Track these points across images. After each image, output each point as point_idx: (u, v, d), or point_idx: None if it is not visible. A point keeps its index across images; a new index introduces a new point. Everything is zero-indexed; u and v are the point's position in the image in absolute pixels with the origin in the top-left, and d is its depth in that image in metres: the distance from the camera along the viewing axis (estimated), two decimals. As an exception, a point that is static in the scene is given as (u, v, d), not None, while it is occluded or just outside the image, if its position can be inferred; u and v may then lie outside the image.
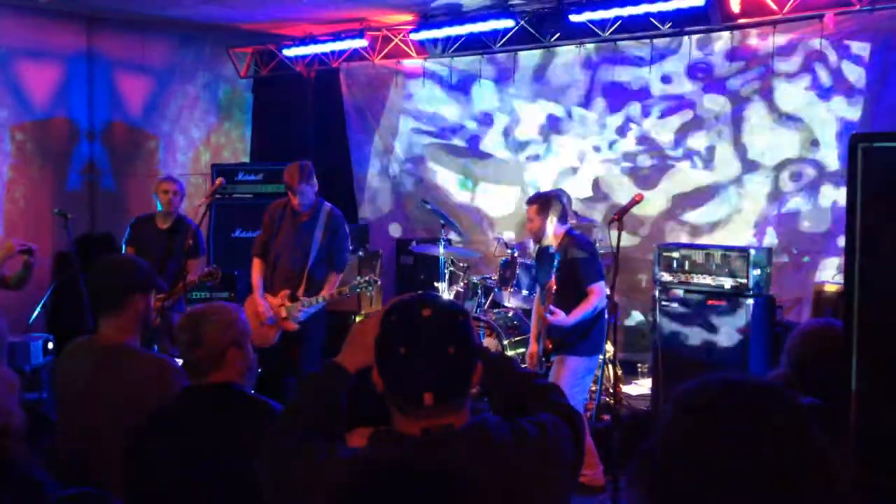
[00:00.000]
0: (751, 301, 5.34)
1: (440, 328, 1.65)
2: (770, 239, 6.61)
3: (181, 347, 2.55)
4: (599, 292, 4.80)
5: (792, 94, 6.52)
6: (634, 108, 7.36)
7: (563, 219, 4.95)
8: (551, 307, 4.66)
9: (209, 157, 9.29)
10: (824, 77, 6.35)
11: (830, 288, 5.53)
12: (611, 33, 7.04)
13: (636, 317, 6.98)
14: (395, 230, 8.92)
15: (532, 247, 5.63)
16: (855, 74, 6.21)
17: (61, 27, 7.98)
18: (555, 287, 4.65)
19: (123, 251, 5.90)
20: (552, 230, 4.90)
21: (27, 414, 2.90)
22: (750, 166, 6.78)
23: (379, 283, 5.34)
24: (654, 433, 1.23)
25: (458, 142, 8.54)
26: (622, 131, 7.47)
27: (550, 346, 4.82)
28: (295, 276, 5.32)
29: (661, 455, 1.19)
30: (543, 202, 4.92)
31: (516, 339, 6.20)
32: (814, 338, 2.54)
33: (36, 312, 6.69)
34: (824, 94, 6.37)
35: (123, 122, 8.61)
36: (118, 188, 8.57)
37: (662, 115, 7.22)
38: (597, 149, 7.63)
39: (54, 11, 7.80)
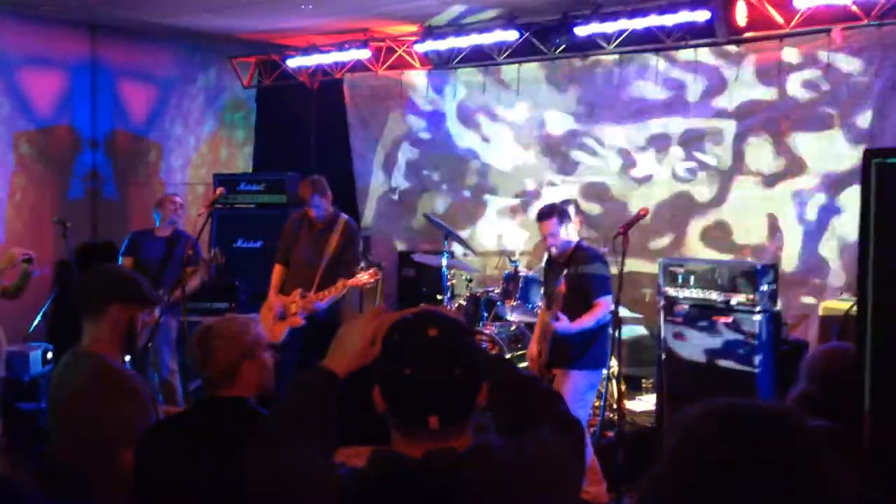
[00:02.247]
0: (758, 317, 5.28)
1: (447, 348, 1.61)
2: (777, 252, 6.54)
3: (194, 364, 2.53)
4: (605, 306, 4.77)
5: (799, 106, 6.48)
6: (643, 122, 7.31)
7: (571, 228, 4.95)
8: (557, 313, 4.62)
9: (211, 166, 9.27)
10: (832, 91, 6.31)
11: (837, 305, 5.47)
12: (616, 46, 7.01)
13: (640, 331, 6.92)
14: (397, 242, 8.88)
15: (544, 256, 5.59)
16: (862, 89, 6.17)
17: (65, 36, 7.97)
18: (563, 290, 4.61)
19: (120, 263, 5.92)
20: (568, 239, 4.88)
21: (26, 424, 2.87)
22: (756, 180, 6.73)
23: (379, 276, 5.62)
24: (658, 460, 1.20)
25: (460, 152, 8.50)
26: (629, 144, 7.42)
27: (553, 359, 4.78)
28: (307, 278, 5.65)
29: (664, 485, 1.16)
30: (561, 212, 4.89)
31: (519, 352, 6.16)
32: (839, 354, 2.52)
33: (36, 321, 6.66)
34: (832, 108, 6.32)
35: (126, 130, 8.59)
36: (120, 197, 8.55)
37: (665, 128, 7.17)
38: (603, 161, 7.59)
39: (57, 20, 7.80)
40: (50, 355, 6.28)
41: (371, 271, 5.57)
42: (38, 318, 6.67)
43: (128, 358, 3.15)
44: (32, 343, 6.46)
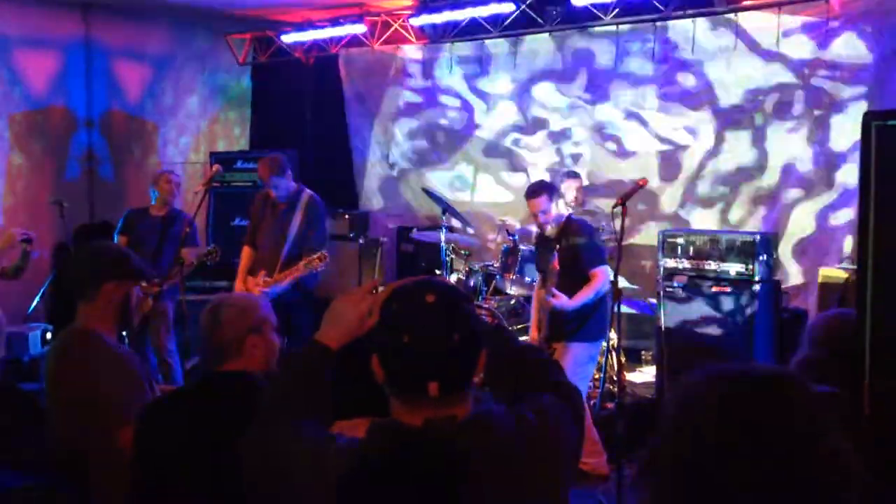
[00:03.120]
0: (757, 287, 5.27)
1: (445, 315, 1.59)
2: (775, 222, 6.52)
3: (203, 333, 2.53)
4: (602, 276, 4.75)
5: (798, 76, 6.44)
6: (638, 92, 7.27)
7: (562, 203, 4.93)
8: (553, 290, 4.60)
9: (208, 144, 9.23)
10: (830, 59, 6.26)
11: (836, 273, 5.47)
12: (613, 17, 6.95)
13: (639, 303, 6.92)
14: (395, 217, 8.86)
15: (534, 233, 5.57)
16: (861, 57, 6.12)
17: (58, 15, 7.91)
18: (557, 268, 4.59)
19: (115, 241, 5.89)
20: (559, 215, 4.86)
21: (25, 403, 2.87)
22: (758, 153, 6.71)
23: (327, 257, 5.35)
24: (659, 429, 1.18)
25: (458, 127, 8.46)
26: (625, 116, 7.38)
27: (551, 331, 4.77)
28: (272, 259, 5.49)
29: (666, 454, 1.14)
30: (550, 189, 4.87)
31: (518, 326, 6.16)
32: (842, 320, 2.52)
33: (35, 302, 6.66)
34: (830, 75, 6.27)
35: (122, 110, 8.55)
36: (117, 177, 8.52)
37: (667, 100, 7.13)
38: (599, 134, 7.55)
39: (50, 0, 7.73)
40: (49, 336, 6.29)
41: (319, 255, 5.33)
42: (37, 299, 6.66)
43: (126, 338, 3.14)
44: (31, 324, 6.47)
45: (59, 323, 6.18)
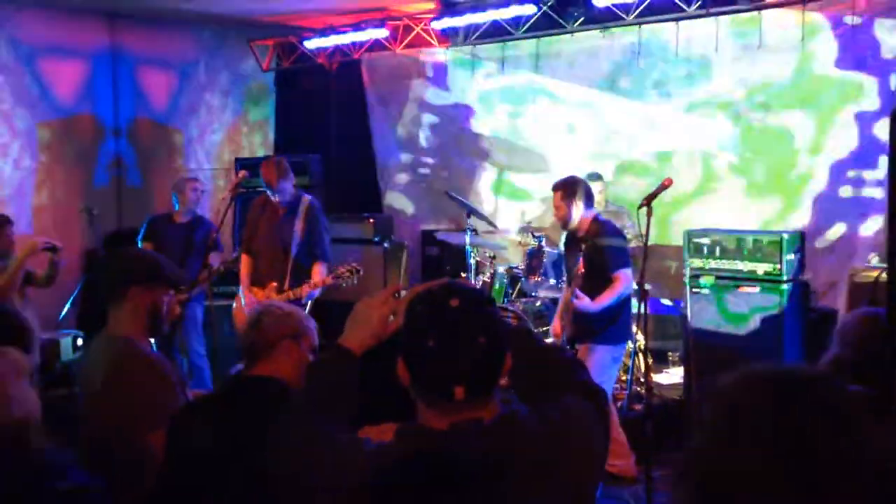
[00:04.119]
0: (785, 286, 5.22)
1: (470, 318, 1.59)
2: (803, 221, 6.46)
3: (241, 336, 2.55)
4: (625, 279, 4.73)
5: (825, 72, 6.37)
6: (661, 92, 7.23)
7: (589, 203, 4.89)
8: (577, 291, 4.59)
9: (232, 150, 9.30)
10: (856, 54, 6.18)
11: (866, 272, 5.40)
12: (635, 17, 6.92)
13: (665, 304, 6.88)
14: (420, 221, 8.87)
15: (561, 236, 5.56)
16: (888, 51, 6.04)
17: (84, 25, 8.01)
18: (582, 271, 4.58)
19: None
20: (578, 215, 4.84)
21: (55, 410, 2.90)
22: (783, 148, 6.64)
23: (361, 272, 5.34)
24: (696, 432, 1.16)
25: (481, 130, 8.46)
26: (650, 115, 7.35)
27: (574, 331, 4.76)
28: (279, 268, 5.43)
29: (704, 457, 1.12)
30: (569, 187, 4.86)
31: (544, 328, 6.14)
32: (873, 319, 2.49)
33: (65, 309, 6.74)
34: (859, 73, 6.20)
35: (148, 117, 8.64)
36: (144, 184, 8.61)
37: (688, 98, 7.09)
38: (625, 133, 7.52)
39: (76, 9, 7.84)
40: (80, 342, 6.36)
41: (350, 268, 5.31)
42: (68, 305, 6.75)
43: (156, 343, 3.17)
44: (63, 330, 6.55)
45: (90, 329, 6.26)
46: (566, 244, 5.18)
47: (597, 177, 6.73)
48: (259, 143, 9.66)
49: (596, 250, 4.73)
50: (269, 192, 5.49)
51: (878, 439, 1.09)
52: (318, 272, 5.44)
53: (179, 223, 6.11)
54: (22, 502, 1.61)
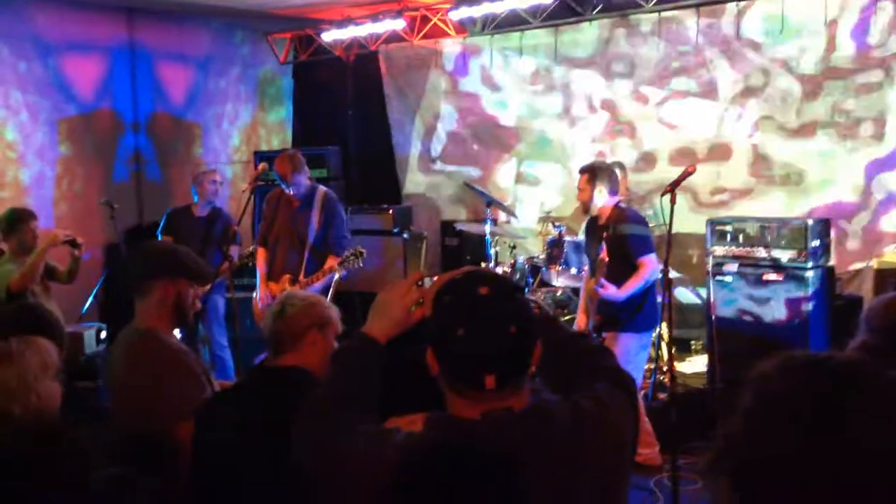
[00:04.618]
0: (810, 274, 5.16)
1: (500, 307, 1.57)
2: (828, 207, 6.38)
3: (268, 324, 2.54)
4: (650, 265, 4.69)
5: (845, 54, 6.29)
6: (680, 81, 7.17)
7: (613, 191, 4.85)
8: (602, 280, 4.56)
9: (251, 143, 9.32)
10: (883, 38, 6.09)
11: (892, 258, 5.33)
12: (654, 4, 6.86)
13: (688, 293, 6.83)
14: (439, 212, 8.86)
15: (582, 224, 5.53)
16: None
17: (102, 20, 8.03)
18: (606, 259, 4.55)
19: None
20: (602, 201, 4.81)
21: (81, 402, 2.92)
22: (808, 134, 6.57)
23: (364, 253, 5.31)
24: (731, 419, 1.13)
25: (500, 119, 8.42)
26: (668, 103, 7.28)
27: (600, 320, 4.72)
28: (294, 261, 5.42)
29: (739, 444, 1.10)
30: (593, 172, 4.84)
31: (566, 318, 6.12)
32: None
33: (88, 302, 6.79)
34: (885, 55, 6.11)
35: (167, 112, 8.66)
36: (163, 178, 8.64)
37: (708, 86, 7.02)
38: (645, 122, 7.46)
39: (94, 4, 7.86)
40: (103, 335, 6.40)
41: (355, 251, 5.27)
42: (90, 299, 6.79)
43: (178, 333, 3.18)
44: (86, 323, 6.59)
45: (113, 322, 6.30)
46: (587, 232, 5.15)
47: (619, 166, 6.68)
48: (277, 137, 9.67)
49: (618, 237, 4.70)
50: (283, 186, 5.47)
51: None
52: (330, 263, 5.42)
53: (198, 216, 6.16)
54: (60, 492, 1.62)
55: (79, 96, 7.89)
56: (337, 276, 5.30)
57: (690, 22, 6.95)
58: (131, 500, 1.64)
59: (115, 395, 2.91)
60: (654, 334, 5.08)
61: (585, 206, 4.95)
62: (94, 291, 6.85)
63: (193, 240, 5.91)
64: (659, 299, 4.76)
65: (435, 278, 1.77)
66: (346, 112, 9.43)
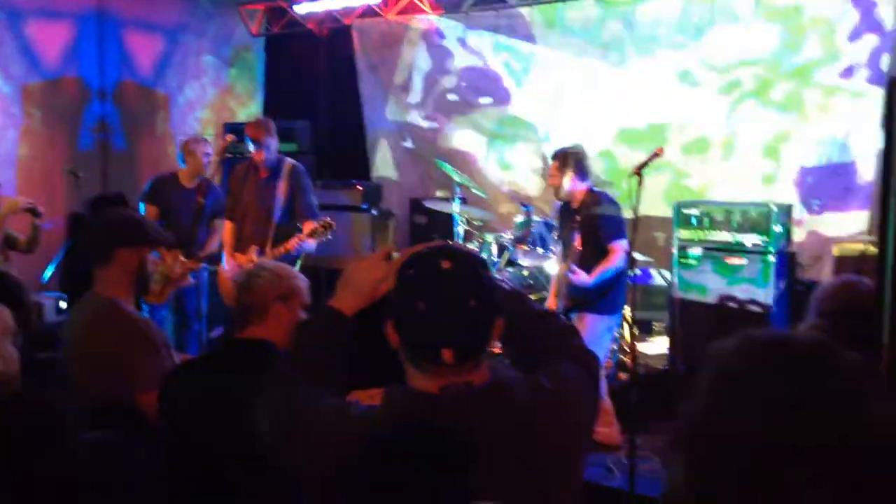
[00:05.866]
0: (772, 258, 5.24)
1: (461, 281, 1.57)
2: (789, 193, 6.45)
3: (234, 295, 2.56)
4: (621, 251, 4.73)
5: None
6: (663, 59, 7.14)
7: (582, 175, 4.88)
8: (573, 266, 4.60)
9: (220, 116, 9.21)
10: (854, 20, 6.13)
11: (852, 245, 5.42)
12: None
13: (652, 275, 6.89)
14: (408, 189, 8.82)
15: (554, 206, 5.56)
16: (888, 17, 5.99)
17: (70, -15, 7.88)
18: (579, 248, 4.59)
19: (143, 209, 5.80)
20: (570, 185, 4.83)
21: (41, 372, 2.89)
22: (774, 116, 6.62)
23: (334, 225, 5.23)
24: (693, 398, 1.14)
25: (472, 99, 8.39)
26: (646, 84, 7.26)
27: (570, 304, 4.76)
28: (261, 232, 5.37)
29: (701, 425, 1.11)
30: (563, 157, 4.86)
31: (532, 298, 6.14)
32: (848, 288, 2.50)
33: (49, 271, 6.69)
34: (853, 36, 6.15)
35: (134, 81, 8.53)
36: (129, 148, 8.52)
37: (696, 64, 7.00)
38: (619, 103, 7.43)
39: (63, -31, 7.71)
40: (63, 304, 6.33)
41: (324, 222, 5.17)
42: (51, 267, 6.70)
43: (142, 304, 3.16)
44: (46, 292, 6.52)
45: (74, 292, 6.22)
46: (560, 216, 5.18)
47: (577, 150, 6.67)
48: (247, 109, 9.57)
49: (591, 220, 4.74)
50: (254, 148, 5.33)
51: (878, 406, 1.07)
52: (308, 229, 5.27)
53: (189, 188, 5.81)
54: (42, 458, 1.59)
55: (44, 63, 7.74)
56: (309, 245, 5.25)
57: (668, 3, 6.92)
58: (119, 466, 1.62)
59: (74, 363, 2.88)
60: (620, 317, 5.14)
61: (556, 192, 4.99)
62: (56, 261, 6.76)
63: (184, 212, 5.71)
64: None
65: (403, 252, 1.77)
66: (318, 86, 9.35)
